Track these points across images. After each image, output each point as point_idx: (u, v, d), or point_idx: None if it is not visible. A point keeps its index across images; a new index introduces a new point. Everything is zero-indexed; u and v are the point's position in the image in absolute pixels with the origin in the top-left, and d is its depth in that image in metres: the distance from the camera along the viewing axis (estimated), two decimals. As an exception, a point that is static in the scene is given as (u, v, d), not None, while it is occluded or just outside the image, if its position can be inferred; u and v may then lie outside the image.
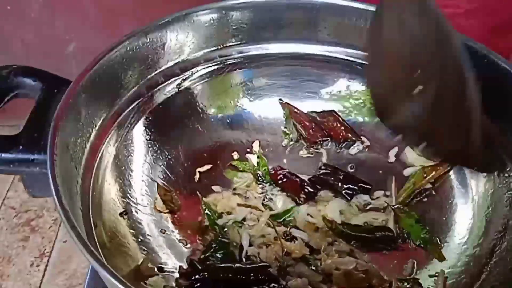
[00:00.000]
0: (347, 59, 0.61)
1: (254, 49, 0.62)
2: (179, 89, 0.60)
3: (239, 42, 0.61)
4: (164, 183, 0.55)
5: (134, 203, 0.52)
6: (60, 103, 0.42)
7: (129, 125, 0.55)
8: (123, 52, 0.52)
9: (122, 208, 0.51)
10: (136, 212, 0.51)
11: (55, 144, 0.39)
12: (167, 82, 0.59)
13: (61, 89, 0.46)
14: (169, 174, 0.56)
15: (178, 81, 0.59)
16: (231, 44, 0.61)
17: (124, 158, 0.53)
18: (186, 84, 0.60)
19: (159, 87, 0.58)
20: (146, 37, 0.54)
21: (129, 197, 0.52)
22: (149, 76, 0.57)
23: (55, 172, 0.38)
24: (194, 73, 0.60)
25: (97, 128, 0.50)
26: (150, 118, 0.57)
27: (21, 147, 0.40)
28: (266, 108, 0.63)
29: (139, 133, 0.56)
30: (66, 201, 0.38)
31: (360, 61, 0.59)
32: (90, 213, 0.44)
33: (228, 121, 0.62)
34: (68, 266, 0.90)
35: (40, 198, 0.89)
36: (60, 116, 0.41)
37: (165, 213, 0.52)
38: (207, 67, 0.61)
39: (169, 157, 0.57)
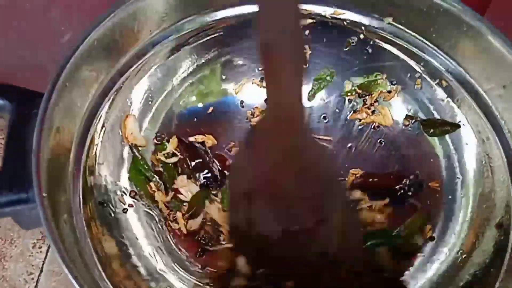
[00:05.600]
0: (331, 18, 0.57)
1: (230, 12, 0.57)
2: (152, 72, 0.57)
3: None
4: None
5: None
6: (36, 131, 0.40)
7: (107, 122, 0.53)
8: (92, 41, 0.48)
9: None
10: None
11: (41, 181, 0.38)
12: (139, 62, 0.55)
13: (32, 105, 0.44)
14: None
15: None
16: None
17: (107, 154, 0.53)
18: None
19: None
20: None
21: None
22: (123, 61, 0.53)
23: (46, 211, 0.37)
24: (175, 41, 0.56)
25: (76, 134, 0.48)
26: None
27: (3, 189, 0.39)
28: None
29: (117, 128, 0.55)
30: (63, 237, 0.38)
31: (345, 19, 0.57)
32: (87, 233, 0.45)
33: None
34: (70, 246, 0.92)
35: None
36: (38, 147, 0.39)
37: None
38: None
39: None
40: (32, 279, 0.93)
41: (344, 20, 0.57)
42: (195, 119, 0.59)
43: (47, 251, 0.93)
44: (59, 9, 0.78)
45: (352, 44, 0.59)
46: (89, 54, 0.48)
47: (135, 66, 0.55)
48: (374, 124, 0.60)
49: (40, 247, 0.96)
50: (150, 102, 0.58)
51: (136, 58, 0.55)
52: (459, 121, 0.55)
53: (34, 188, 0.37)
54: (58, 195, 0.43)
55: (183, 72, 0.59)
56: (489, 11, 0.56)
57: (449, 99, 0.55)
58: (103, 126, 0.53)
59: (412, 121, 0.58)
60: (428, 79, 0.56)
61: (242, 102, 0.61)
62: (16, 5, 0.78)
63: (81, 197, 0.47)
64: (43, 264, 0.94)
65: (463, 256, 0.51)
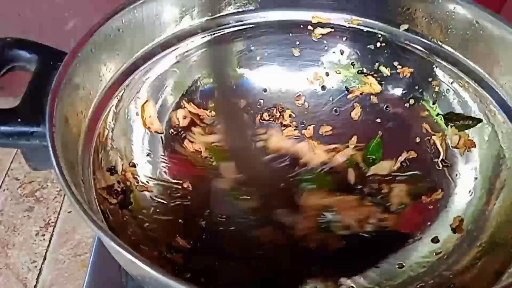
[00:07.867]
0: (348, 26, 0.60)
1: (252, 17, 0.61)
2: (177, 60, 0.59)
3: (236, 11, 0.60)
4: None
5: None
6: (57, 75, 0.42)
7: (127, 96, 0.55)
8: (119, 23, 0.51)
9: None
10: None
11: (54, 116, 0.39)
12: (164, 53, 0.58)
13: (57, 61, 0.46)
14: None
15: (175, 52, 0.59)
16: (228, 12, 0.60)
17: (123, 129, 0.54)
18: (184, 54, 0.60)
19: (156, 58, 0.58)
20: (141, 7, 0.53)
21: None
22: (146, 47, 0.56)
23: (55, 144, 0.38)
24: (192, 43, 0.60)
25: (95, 99, 0.50)
26: (149, 89, 0.57)
27: (19, 119, 0.40)
28: (265, 78, 0.63)
29: (138, 104, 0.56)
30: (68, 172, 0.38)
31: (362, 27, 0.60)
32: (92, 185, 0.45)
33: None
34: (73, 236, 0.92)
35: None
36: (57, 88, 0.41)
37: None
38: (204, 37, 0.60)
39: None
40: (36, 266, 0.92)
41: (361, 28, 0.60)
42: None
43: (50, 239, 0.94)
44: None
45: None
46: (124, 27, 0.51)
47: (157, 57, 0.58)
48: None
49: (43, 235, 0.95)
50: (171, 94, 0.60)
51: (160, 48, 0.58)
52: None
53: (46, 118, 0.38)
54: (69, 142, 0.44)
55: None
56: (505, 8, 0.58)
57: (466, 97, 0.56)
58: (119, 101, 0.54)
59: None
60: (444, 80, 0.57)
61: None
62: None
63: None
64: (46, 252, 0.94)
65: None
